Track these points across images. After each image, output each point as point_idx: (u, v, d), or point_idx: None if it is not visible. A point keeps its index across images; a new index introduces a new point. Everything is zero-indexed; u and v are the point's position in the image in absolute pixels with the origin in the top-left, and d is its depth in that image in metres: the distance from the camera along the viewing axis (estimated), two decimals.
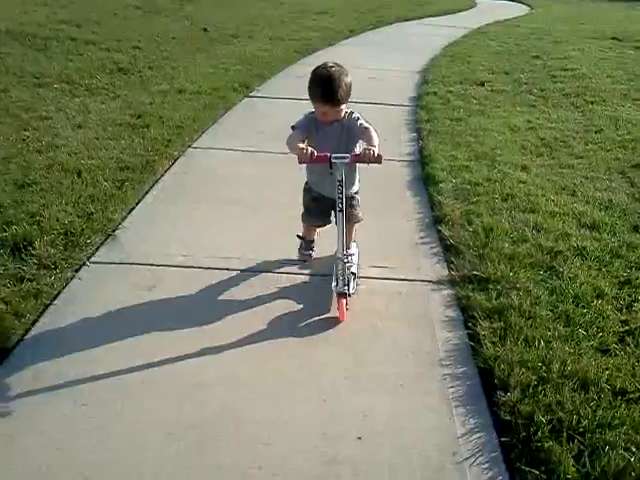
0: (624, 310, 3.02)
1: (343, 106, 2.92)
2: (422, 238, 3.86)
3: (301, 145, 2.83)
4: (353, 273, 3.10)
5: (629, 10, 19.19)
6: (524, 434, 2.25)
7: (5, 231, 3.54)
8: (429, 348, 2.82)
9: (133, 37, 9.64)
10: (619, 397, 2.42)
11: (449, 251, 3.63)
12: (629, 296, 3.14)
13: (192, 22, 11.49)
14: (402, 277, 3.38)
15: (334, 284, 2.99)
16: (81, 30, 9.78)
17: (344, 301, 2.95)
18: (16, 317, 2.85)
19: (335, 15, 14.22)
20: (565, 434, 2.23)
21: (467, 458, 2.22)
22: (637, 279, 3.29)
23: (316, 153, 2.79)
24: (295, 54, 9.63)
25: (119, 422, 2.33)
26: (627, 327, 2.88)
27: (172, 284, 3.23)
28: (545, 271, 3.35)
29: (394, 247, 3.73)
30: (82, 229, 3.65)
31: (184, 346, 2.74)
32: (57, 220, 3.70)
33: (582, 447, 2.18)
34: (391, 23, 14.07)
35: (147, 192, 4.34)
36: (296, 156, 2.82)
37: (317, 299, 3.14)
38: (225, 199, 4.28)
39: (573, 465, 2.11)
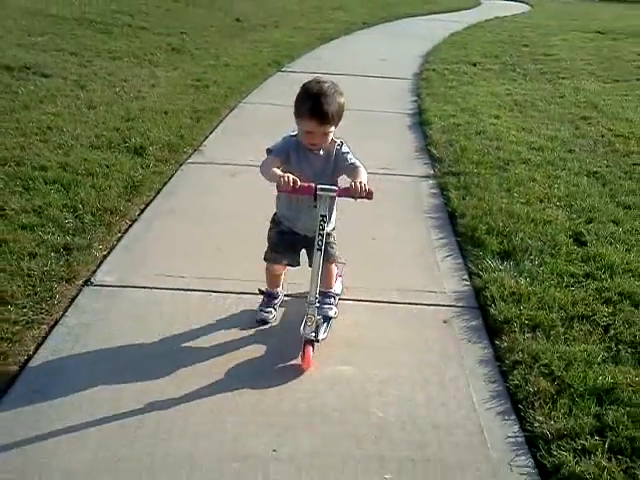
0: (547, 188, 4.58)
1: (332, 128, 2.59)
2: (416, 154, 5.45)
3: (279, 172, 2.50)
4: (329, 317, 2.91)
5: (625, 10, 20.69)
6: (470, 234, 3.82)
7: (126, 142, 5.13)
8: (417, 204, 4.40)
9: (178, 25, 11.25)
10: (531, 222, 3.97)
11: (435, 160, 5.20)
12: (552, 182, 4.70)
13: (225, 13, 13.12)
14: (400, 173, 4.95)
15: (302, 328, 2.66)
16: (134, 19, 11.41)
17: (310, 348, 2.64)
18: (151, 183, 4.43)
19: (349, 11, 15.81)
20: (495, 234, 3.79)
21: (437, 247, 3.79)
22: (560, 177, 4.84)
23: (299, 182, 2.47)
24: (316, 41, 11.25)
25: None
26: (547, 193, 4.44)
27: (247, 174, 4.79)
28: (499, 169, 4.92)
29: (395, 159, 5.28)
30: (178, 144, 5.25)
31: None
32: (160, 138, 5.29)
33: (502, 233, 3.75)
34: (400, 18, 15.66)
35: (216, 126, 5.94)
36: (274, 183, 2.50)
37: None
38: (271, 134, 5.82)
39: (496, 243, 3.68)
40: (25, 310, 2.88)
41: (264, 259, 2.93)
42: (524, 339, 2.83)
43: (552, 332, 2.89)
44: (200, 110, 6.22)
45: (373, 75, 8.74)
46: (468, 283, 3.39)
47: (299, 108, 2.59)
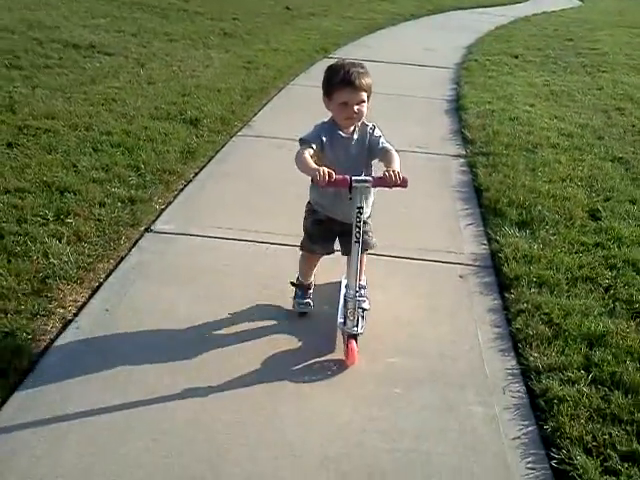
0: (571, 169, 4.86)
1: (366, 98, 2.58)
2: (451, 136, 5.79)
3: (314, 165, 2.49)
4: (364, 309, 2.82)
5: None
6: (492, 206, 4.15)
7: (183, 115, 5.61)
8: (446, 180, 4.75)
9: (230, 11, 11.75)
10: (551, 198, 4.28)
11: (467, 142, 5.52)
12: (577, 164, 4.98)
13: (276, 1, 13.53)
14: (433, 152, 5.30)
15: (340, 321, 2.73)
16: (189, 4, 11.96)
17: (354, 342, 2.65)
18: (205, 151, 4.89)
19: (396, 2, 16.02)
20: (515, 206, 4.11)
21: (461, 216, 4.14)
22: (585, 160, 5.11)
23: (335, 175, 2.43)
24: (364, 29, 11.59)
25: None
26: (569, 174, 4.73)
27: (292, 146, 5.20)
28: (527, 152, 5.21)
29: (430, 140, 5.62)
30: (229, 118, 5.70)
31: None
32: (213, 112, 5.75)
33: (522, 206, 4.07)
34: (447, 11, 15.84)
35: (265, 104, 6.38)
36: (309, 176, 2.51)
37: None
38: (316, 112, 6.23)
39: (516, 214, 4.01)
40: (97, 247, 3.37)
41: (300, 248, 2.95)
42: (530, 293, 3.18)
43: (556, 289, 3.23)
44: (250, 89, 6.67)
45: (417, 64, 9.06)
46: (486, 246, 3.75)
47: (330, 82, 2.61)
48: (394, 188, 2.50)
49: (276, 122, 5.86)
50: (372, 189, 2.64)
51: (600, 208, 4.18)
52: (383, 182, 2.51)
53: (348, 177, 2.48)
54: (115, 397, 2.40)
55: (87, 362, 2.58)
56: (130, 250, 3.44)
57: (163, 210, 3.93)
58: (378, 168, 2.71)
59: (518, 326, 2.94)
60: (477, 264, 3.56)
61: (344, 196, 2.56)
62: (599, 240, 3.75)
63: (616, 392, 2.50)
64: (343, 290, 2.86)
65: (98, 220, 3.63)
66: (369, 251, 2.89)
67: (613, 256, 3.56)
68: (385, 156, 2.63)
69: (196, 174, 4.53)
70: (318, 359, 2.72)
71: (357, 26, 11.85)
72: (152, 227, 3.71)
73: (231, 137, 5.35)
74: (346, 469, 2.19)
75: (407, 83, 7.83)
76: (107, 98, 5.87)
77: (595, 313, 3.03)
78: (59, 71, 6.62)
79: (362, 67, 2.61)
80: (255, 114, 6.03)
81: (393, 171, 2.48)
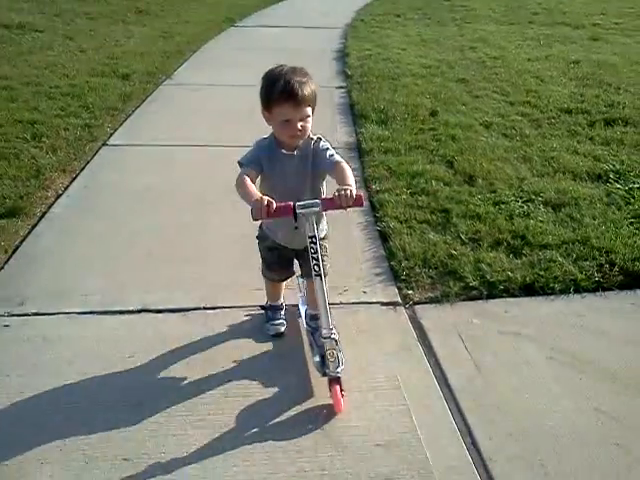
0: (424, 88, 6.40)
1: (309, 110, 2.30)
2: (336, 75, 7.25)
3: (254, 193, 2.19)
4: (336, 341, 2.35)
5: None
6: (360, 113, 5.61)
7: (115, 72, 6.82)
8: (329, 103, 6.18)
9: None
10: (404, 105, 5.78)
11: (348, 77, 6.99)
12: (429, 85, 6.53)
13: None
14: (321, 85, 6.67)
15: (317, 360, 2.44)
16: None
17: (339, 388, 2.32)
18: (138, 95, 6.14)
19: None
20: (377, 112, 5.59)
21: (338, 122, 5.58)
22: (436, 82, 6.67)
23: (274, 204, 2.12)
24: (266, 2, 12.88)
25: None
26: (422, 91, 6.26)
27: (204, 90, 6.51)
28: (392, 80, 6.72)
29: (320, 78, 6.93)
30: (154, 72, 6.96)
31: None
32: (140, 69, 6.98)
33: (382, 111, 5.55)
34: None
35: (182, 63, 7.65)
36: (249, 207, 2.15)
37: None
38: (224, 66, 7.55)
39: (376, 116, 5.48)
40: (69, 154, 4.63)
41: (262, 275, 2.74)
42: (378, 156, 4.66)
43: (396, 153, 4.73)
44: (169, 52, 7.92)
45: (313, 26, 10.48)
46: (354, 137, 5.22)
47: (269, 95, 2.27)
48: (349, 209, 2.20)
49: (192, 75, 7.16)
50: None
51: (439, 109, 5.71)
52: (333, 204, 2.19)
53: (291, 204, 2.18)
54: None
55: (77, 215, 3.88)
56: (94, 156, 4.71)
57: (113, 133, 5.20)
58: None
59: (368, 173, 4.42)
60: (346, 147, 5.01)
61: (287, 222, 2.28)
62: (433, 127, 5.28)
63: (423, 196, 4.02)
64: (304, 318, 2.77)
65: (66, 139, 4.87)
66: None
67: (440, 134, 5.09)
68: (336, 170, 2.32)
69: (134, 110, 5.80)
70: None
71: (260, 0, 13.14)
72: (107, 142, 4.98)
73: (157, 86, 6.62)
74: None
75: (304, 41, 9.23)
76: (48, 64, 7.00)
77: (419, 163, 4.53)
78: None
79: (304, 74, 2.33)
80: (175, 70, 7.30)
81: (344, 190, 2.17)
